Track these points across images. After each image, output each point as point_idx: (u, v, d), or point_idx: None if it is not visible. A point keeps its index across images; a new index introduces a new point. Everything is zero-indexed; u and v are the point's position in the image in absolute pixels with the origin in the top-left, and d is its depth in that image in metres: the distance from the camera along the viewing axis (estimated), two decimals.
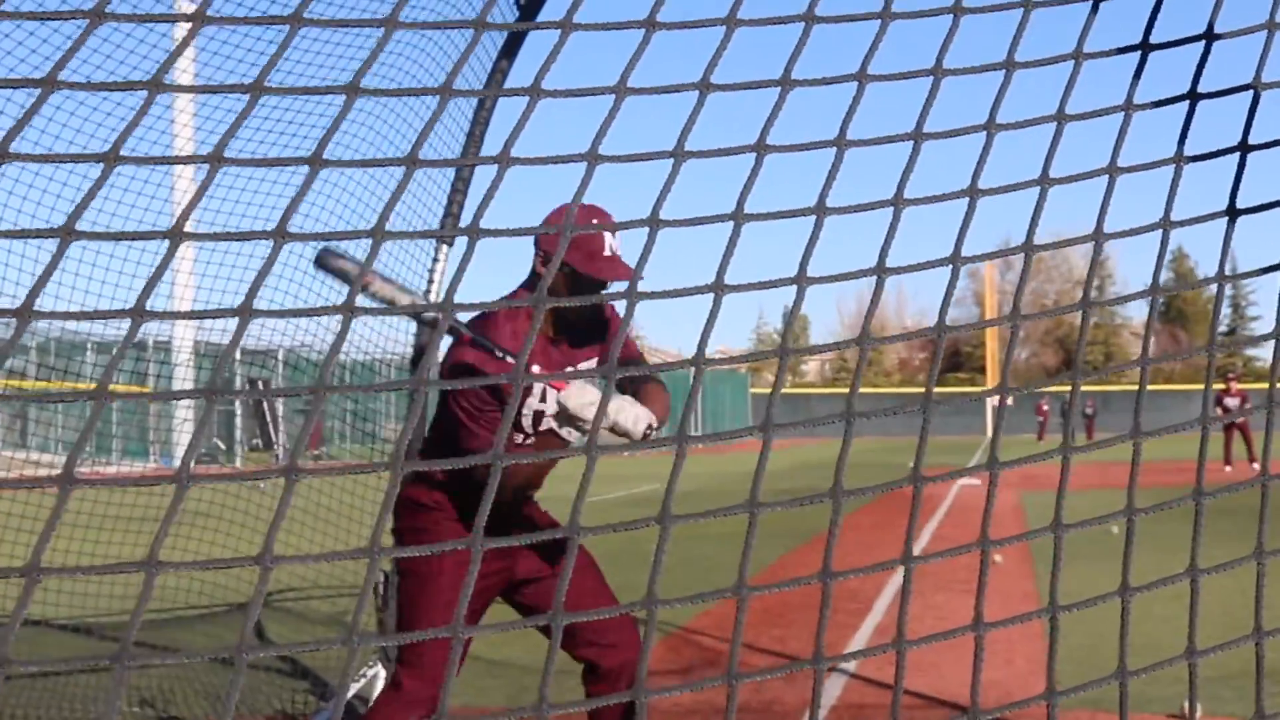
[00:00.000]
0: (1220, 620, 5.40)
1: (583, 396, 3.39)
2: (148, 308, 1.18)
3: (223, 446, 26.93)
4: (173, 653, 6.45)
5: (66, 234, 1.15)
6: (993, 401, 62.38)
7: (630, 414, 3.38)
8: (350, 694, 5.60)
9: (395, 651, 4.14)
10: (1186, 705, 5.38)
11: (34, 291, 1.17)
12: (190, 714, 5.53)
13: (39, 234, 1.20)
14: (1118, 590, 1.17)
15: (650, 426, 3.43)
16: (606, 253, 3.54)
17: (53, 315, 1.24)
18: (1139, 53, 1.25)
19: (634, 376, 3.66)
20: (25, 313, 1.14)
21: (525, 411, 3.67)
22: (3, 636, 1.07)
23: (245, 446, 20.65)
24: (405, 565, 3.79)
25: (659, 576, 1.10)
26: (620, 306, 3.76)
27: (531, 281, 3.66)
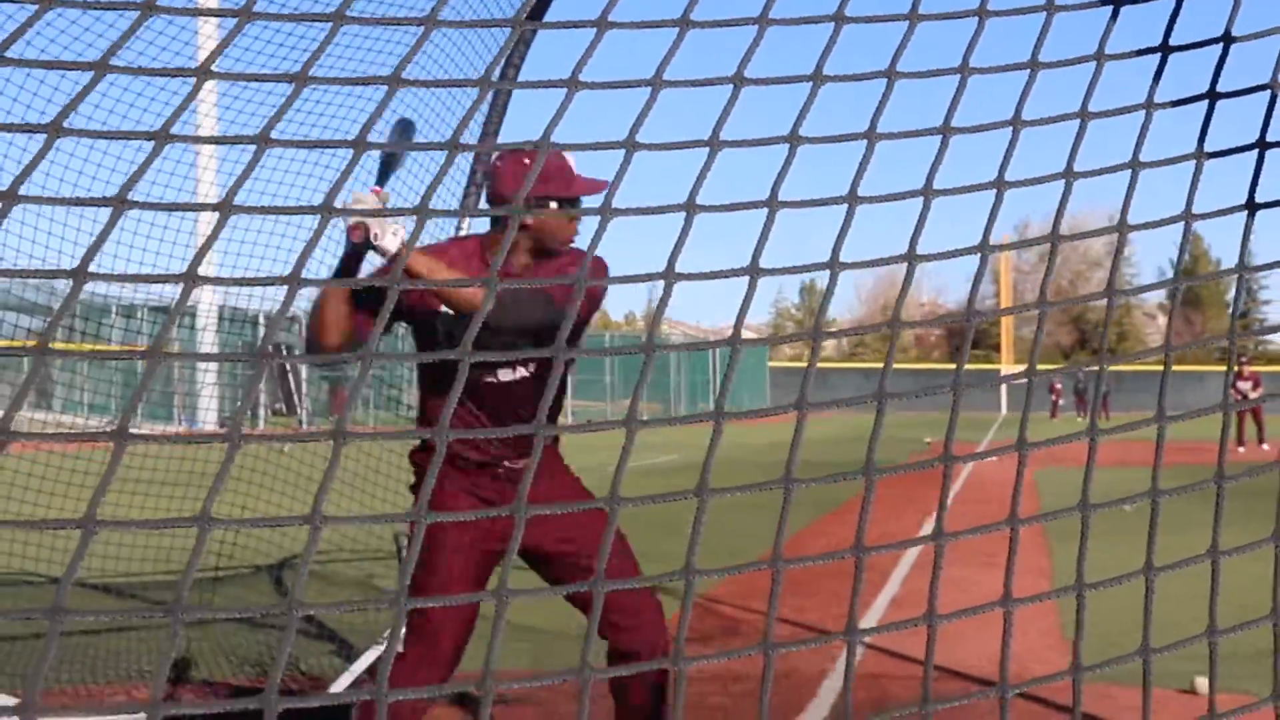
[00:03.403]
0: (1234, 599, 5.43)
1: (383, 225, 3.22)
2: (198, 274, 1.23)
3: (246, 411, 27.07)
4: (217, 609, 6.47)
5: (120, 203, 1.20)
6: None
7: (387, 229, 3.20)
8: (375, 657, 5.66)
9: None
10: (1197, 680, 5.43)
11: (88, 255, 1.21)
12: (216, 673, 5.61)
13: (93, 202, 1.25)
14: (1141, 569, 1.22)
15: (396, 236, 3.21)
16: (578, 172, 3.51)
17: (108, 278, 1.29)
18: (1159, 54, 1.30)
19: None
20: (80, 274, 1.19)
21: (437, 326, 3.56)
22: (60, 586, 1.13)
23: (269, 410, 20.73)
24: (412, 528, 3.64)
25: (696, 549, 1.15)
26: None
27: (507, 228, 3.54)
